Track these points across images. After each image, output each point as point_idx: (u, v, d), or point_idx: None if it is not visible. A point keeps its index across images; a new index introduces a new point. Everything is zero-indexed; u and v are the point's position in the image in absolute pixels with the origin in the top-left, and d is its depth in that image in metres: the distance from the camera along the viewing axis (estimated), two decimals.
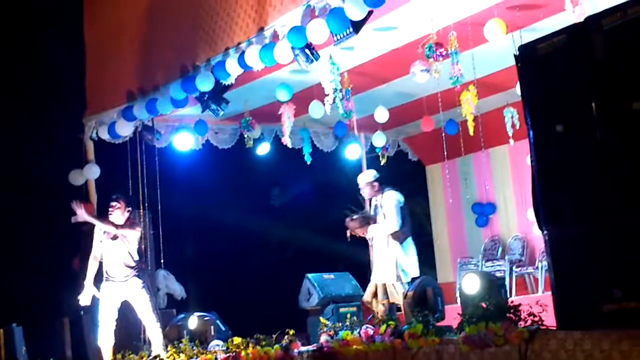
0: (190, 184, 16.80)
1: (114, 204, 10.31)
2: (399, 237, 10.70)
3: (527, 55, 7.62)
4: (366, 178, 10.92)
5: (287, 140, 12.39)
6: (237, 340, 9.50)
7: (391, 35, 10.38)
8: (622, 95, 6.90)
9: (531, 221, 12.20)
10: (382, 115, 12.69)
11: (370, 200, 11.16)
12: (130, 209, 10.46)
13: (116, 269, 10.20)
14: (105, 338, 9.87)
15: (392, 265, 10.62)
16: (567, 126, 7.25)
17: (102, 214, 10.64)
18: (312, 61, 9.54)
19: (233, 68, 10.09)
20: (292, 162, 15.36)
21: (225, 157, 14.80)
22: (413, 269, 10.75)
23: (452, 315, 9.00)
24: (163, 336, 10.26)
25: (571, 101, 7.24)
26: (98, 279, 10.27)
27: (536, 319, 7.65)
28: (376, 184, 10.83)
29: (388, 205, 10.66)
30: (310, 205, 22.22)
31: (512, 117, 12.54)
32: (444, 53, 9.99)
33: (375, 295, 10.78)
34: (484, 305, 8.13)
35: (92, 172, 12.52)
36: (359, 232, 10.85)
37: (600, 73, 7.04)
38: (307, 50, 9.43)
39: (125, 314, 11.48)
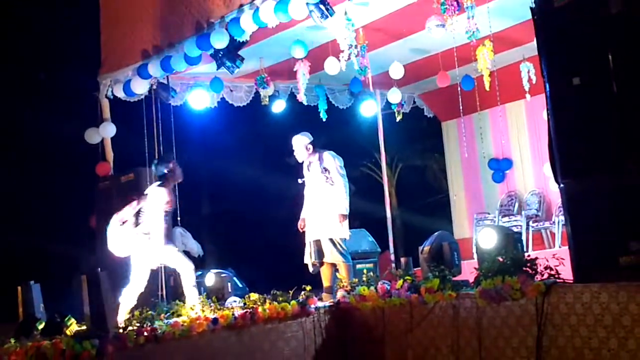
0: (205, 142, 16.87)
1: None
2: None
3: (544, 8, 7.58)
4: (303, 141, 10.84)
5: (302, 97, 12.37)
6: (254, 296, 9.54)
7: None
8: (638, 47, 6.87)
9: (548, 176, 12.19)
10: (397, 71, 12.63)
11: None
12: None
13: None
14: (130, 297, 9.86)
15: (338, 221, 10.60)
16: (583, 79, 7.23)
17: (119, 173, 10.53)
18: (327, 17, 9.49)
19: (248, 24, 10.05)
20: (307, 119, 15.34)
21: (241, 115, 14.80)
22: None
23: (469, 271, 9.02)
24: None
25: (588, 54, 7.22)
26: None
27: (553, 272, 7.67)
28: (310, 146, 10.83)
29: (332, 167, 10.71)
30: None
31: (528, 71, 12.48)
32: (459, 7, 9.91)
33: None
34: (500, 259, 8.15)
35: (108, 130, 12.54)
36: None
37: (617, 25, 7.01)
38: (322, 6, 9.38)
39: None
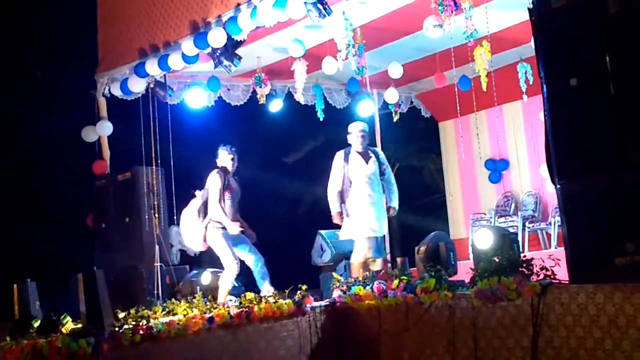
0: (202, 141, 16.82)
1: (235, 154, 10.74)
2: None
3: (541, 9, 7.59)
4: (365, 128, 11.09)
5: (299, 97, 12.36)
6: (249, 295, 9.55)
7: None
8: (636, 48, 6.87)
9: (544, 177, 12.22)
10: (396, 71, 12.64)
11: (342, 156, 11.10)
12: None
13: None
14: (227, 281, 10.32)
15: (387, 215, 11.05)
16: (581, 80, 7.23)
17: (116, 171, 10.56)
18: (324, 16, 9.49)
19: (245, 23, 10.05)
20: (304, 118, 15.32)
21: (238, 114, 14.78)
22: None
23: (465, 271, 9.03)
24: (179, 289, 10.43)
25: (585, 54, 7.22)
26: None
27: (548, 273, 7.67)
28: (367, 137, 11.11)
29: (387, 164, 11.18)
30: (322, 161, 22.16)
31: (525, 72, 12.48)
32: (457, 8, 9.90)
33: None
34: (496, 259, 8.15)
35: (105, 128, 12.54)
36: None
37: (615, 26, 7.01)
38: (319, 5, 9.38)
39: (137, 269, 11.56)
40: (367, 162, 10.96)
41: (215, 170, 10.62)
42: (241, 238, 10.56)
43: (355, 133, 11.03)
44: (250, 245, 10.58)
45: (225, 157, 10.68)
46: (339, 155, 11.10)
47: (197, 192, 10.63)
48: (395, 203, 11.11)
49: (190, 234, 10.54)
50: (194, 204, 10.62)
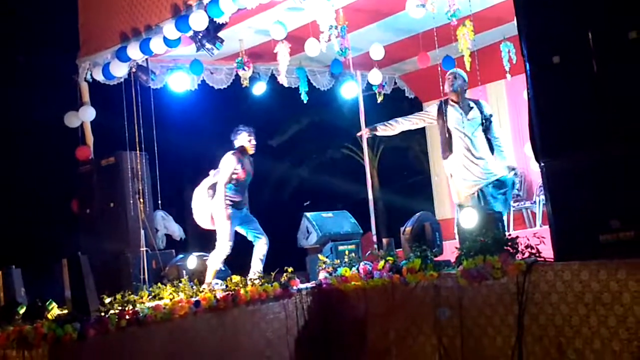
0: (186, 125, 16.83)
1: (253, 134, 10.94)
2: None
3: None
4: (459, 71, 10.37)
5: (283, 79, 12.32)
6: (235, 278, 9.55)
7: None
8: (618, 25, 6.88)
9: (529, 156, 12.23)
10: (377, 52, 12.61)
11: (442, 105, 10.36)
12: None
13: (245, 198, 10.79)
14: (216, 260, 10.42)
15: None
16: (564, 58, 7.23)
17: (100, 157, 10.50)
18: None
19: (227, 6, 10.01)
20: (288, 101, 15.29)
21: (221, 97, 14.76)
22: None
23: (450, 251, 9.04)
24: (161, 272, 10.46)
25: (568, 32, 7.22)
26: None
27: (533, 251, 7.69)
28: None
29: (495, 118, 10.38)
30: (307, 143, 22.18)
31: (509, 51, 12.47)
32: None
33: None
34: (481, 239, 8.16)
35: (88, 114, 12.48)
36: None
37: (597, 3, 7.01)
38: None
39: (122, 254, 11.55)
40: (466, 113, 10.14)
41: (231, 152, 10.69)
42: (252, 218, 10.76)
43: (446, 78, 10.34)
44: (260, 228, 10.70)
45: (244, 138, 10.83)
46: (433, 106, 10.46)
47: (212, 172, 10.71)
48: (509, 162, 10.26)
49: (200, 212, 10.60)
50: (206, 182, 10.76)
